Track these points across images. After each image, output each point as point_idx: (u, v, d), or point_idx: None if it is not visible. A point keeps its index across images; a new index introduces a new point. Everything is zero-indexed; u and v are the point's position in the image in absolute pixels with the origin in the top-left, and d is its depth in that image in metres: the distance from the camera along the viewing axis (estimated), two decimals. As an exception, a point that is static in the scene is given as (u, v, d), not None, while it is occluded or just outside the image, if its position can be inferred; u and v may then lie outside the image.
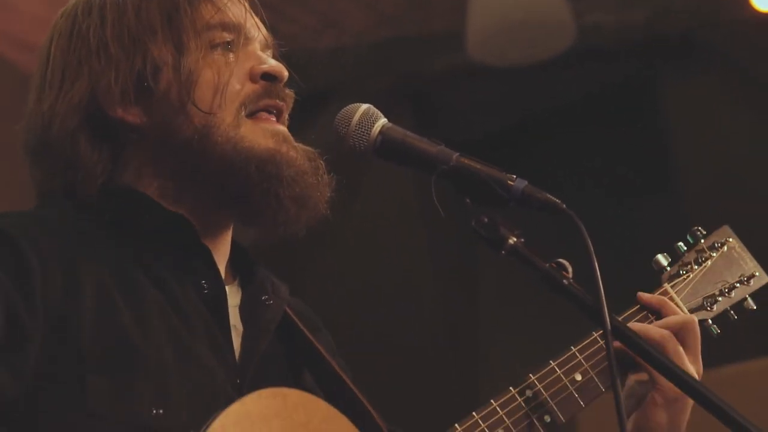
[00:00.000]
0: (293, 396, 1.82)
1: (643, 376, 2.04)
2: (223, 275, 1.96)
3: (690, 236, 2.20)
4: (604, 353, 2.00)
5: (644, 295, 2.10)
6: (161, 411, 1.75)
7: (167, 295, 1.86)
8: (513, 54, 4.63)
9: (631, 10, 4.87)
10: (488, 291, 6.04)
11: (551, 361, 2.00)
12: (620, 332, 1.74)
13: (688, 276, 2.15)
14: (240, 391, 1.85)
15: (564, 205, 1.76)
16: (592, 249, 1.71)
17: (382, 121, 1.88)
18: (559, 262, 1.78)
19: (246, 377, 1.88)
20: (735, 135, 5.08)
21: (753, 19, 4.67)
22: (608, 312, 1.71)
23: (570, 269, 1.78)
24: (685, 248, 2.19)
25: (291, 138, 1.97)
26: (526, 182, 1.78)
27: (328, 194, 1.97)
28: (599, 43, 4.91)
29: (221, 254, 1.99)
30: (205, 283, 1.90)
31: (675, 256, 2.19)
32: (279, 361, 2.00)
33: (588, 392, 1.99)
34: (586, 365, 2.01)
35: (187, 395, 1.78)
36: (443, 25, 5.04)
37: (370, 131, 1.87)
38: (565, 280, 1.77)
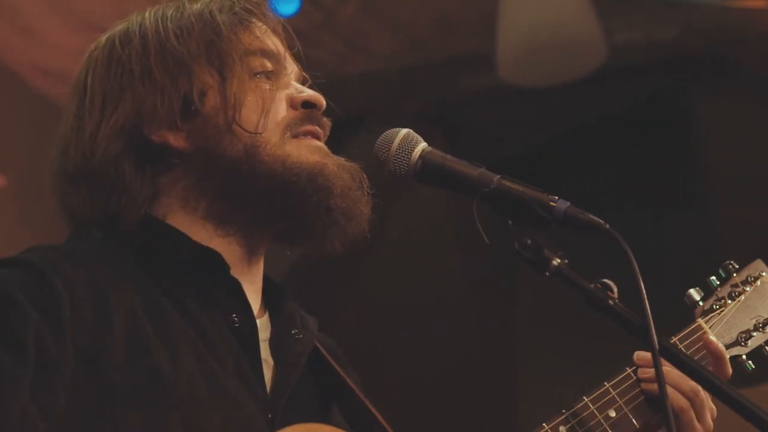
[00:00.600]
0: (320, 430, 1.83)
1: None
2: (255, 309, 1.96)
3: (722, 270, 2.19)
4: (638, 389, 2.01)
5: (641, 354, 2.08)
6: None
7: (197, 328, 1.86)
8: (543, 74, 4.63)
9: (661, 27, 4.86)
10: (524, 311, 6.01)
11: (584, 397, 1.98)
12: (668, 353, 1.72)
13: (722, 311, 2.14)
14: (272, 426, 1.85)
15: (607, 226, 1.75)
16: (637, 269, 1.70)
17: (422, 145, 1.89)
18: (604, 282, 1.77)
19: (277, 411, 1.88)
20: (766, 151, 5.05)
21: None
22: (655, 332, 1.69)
23: (615, 290, 1.76)
24: (718, 282, 2.18)
25: (333, 155, 1.99)
26: (568, 203, 1.78)
27: (369, 212, 1.98)
28: (629, 61, 4.90)
29: (252, 287, 1.99)
30: (235, 316, 1.91)
31: (707, 291, 2.18)
32: (309, 396, 1.99)
33: (622, 429, 1.98)
34: (620, 401, 2.00)
35: (218, 430, 1.78)
36: (471, 47, 5.05)
37: (411, 155, 1.87)
38: (610, 301, 1.75)
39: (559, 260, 1.77)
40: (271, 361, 1.94)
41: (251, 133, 1.92)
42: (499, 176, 1.83)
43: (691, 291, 2.12)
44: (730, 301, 2.14)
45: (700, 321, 2.11)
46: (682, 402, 2.00)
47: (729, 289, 2.16)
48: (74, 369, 1.72)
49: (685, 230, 5.12)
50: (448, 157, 1.86)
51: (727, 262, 2.18)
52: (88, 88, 1.99)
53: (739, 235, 4.82)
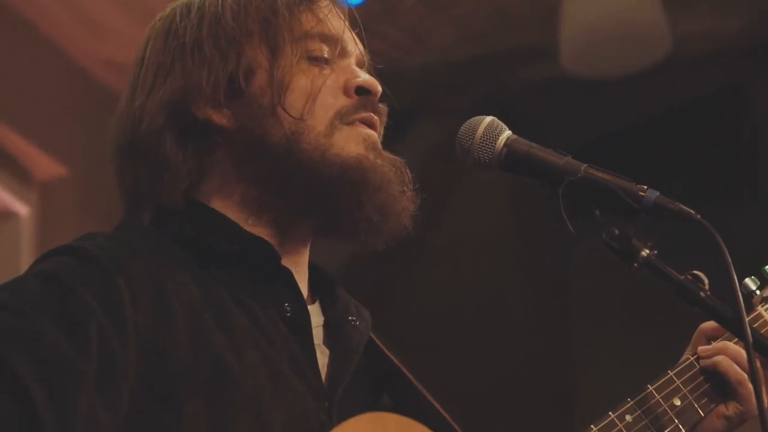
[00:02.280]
0: (392, 421, 1.79)
1: (732, 410, 2.00)
2: (304, 296, 1.92)
3: None
4: (702, 377, 1.99)
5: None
6: None
7: (252, 318, 1.82)
8: (607, 66, 4.57)
9: (725, 18, 4.78)
10: (579, 306, 5.97)
11: (649, 386, 1.95)
12: (762, 345, 1.68)
13: None
14: (329, 416, 1.81)
15: (699, 216, 1.71)
16: (729, 260, 1.66)
17: (507, 133, 1.86)
18: (695, 274, 1.74)
19: (334, 401, 1.84)
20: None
21: None
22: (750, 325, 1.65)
23: (706, 281, 1.73)
24: None
25: (380, 147, 1.94)
26: (657, 193, 1.74)
27: (413, 208, 1.92)
28: (692, 53, 4.83)
29: (301, 275, 1.95)
30: (287, 305, 1.87)
31: (763, 280, 2.12)
32: (363, 384, 1.95)
33: (688, 418, 1.95)
34: (684, 390, 1.97)
35: (282, 421, 1.74)
36: (529, 39, 5.00)
37: (495, 143, 1.84)
38: (702, 293, 1.72)
39: (648, 251, 1.73)
40: (325, 349, 1.90)
41: (295, 118, 1.87)
42: (586, 165, 1.80)
43: (747, 280, 2.07)
44: None
45: (760, 309, 2.06)
46: (740, 376, 1.97)
47: None
48: (137, 364, 1.69)
49: (747, 224, 5.05)
50: (534, 145, 1.83)
51: None
52: (145, 59, 1.96)
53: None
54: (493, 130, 1.85)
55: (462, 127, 1.87)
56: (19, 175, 4.80)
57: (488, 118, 1.86)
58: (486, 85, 4.74)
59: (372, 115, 1.94)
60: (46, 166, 4.81)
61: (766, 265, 2.11)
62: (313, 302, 1.96)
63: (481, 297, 5.44)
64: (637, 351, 5.68)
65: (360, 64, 1.99)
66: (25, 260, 4.72)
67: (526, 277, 5.85)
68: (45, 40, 4.84)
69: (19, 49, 4.71)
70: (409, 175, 1.93)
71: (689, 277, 1.74)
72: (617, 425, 1.87)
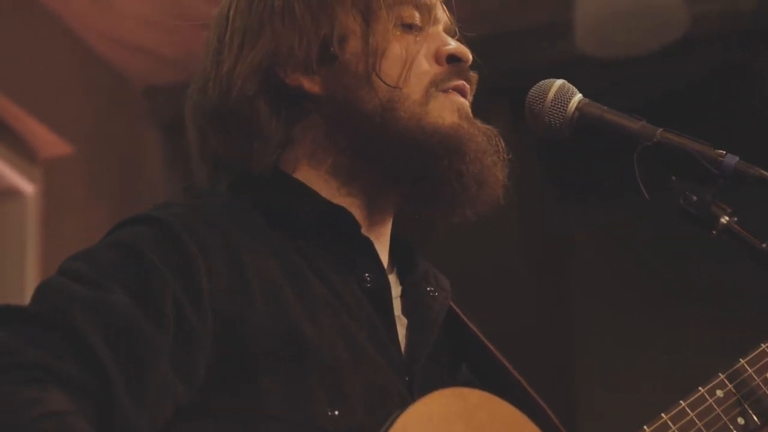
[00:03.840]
0: (474, 396, 1.74)
1: None
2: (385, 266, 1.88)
3: None
4: None
5: None
6: (337, 412, 1.67)
7: (331, 288, 1.77)
8: (622, 44, 4.53)
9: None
10: (581, 286, 5.95)
11: (741, 359, 1.88)
12: None
13: None
14: (410, 389, 1.77)
15: (781, 182, 1.66)
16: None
17: (578, 96, 1.82)
18: (778, 242, 1.69)
19: (414, 373, 1.80)
20: None
21: None
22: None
23: (789, 250, 1.68)
24: None
25: (472, 116, 1.90)
26: (737, 158, 1.70)
27: (505, 178, 1.88)
28: (706, 32, 4.79)
29: (382, 245, 1.90)
30: (368, 275, 1.82)
31: None
32: (443, 356, 1.91)
33: None
34: None
35: (361, 395, 1.70)
36: (542, 18, 4.95)
37: (567, 107, 1.80)
38: (785, 263, 1.68)
39: (728, 218, 1.69)
40: (404, 320, 1.86)
41: (391, 86, 1.83)
42: (662, 129, 1.75)
43: None
44: None
45: None
46: None
47: None
48: (213, 337, 1.65)
49: (751, 206, 5.01)
50: (606, 108, 1.80)
51: None
52: (229, 21, 1.90)
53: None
54: (564, 93, 1.81)
55: (531, 91, 1.83)
56: (25, 153, 4.73)
57: (559, 81, 1.82)
58: (499, 65, 4.69)
59: (465, 83, 1.90)
60: (51, 144, 4.75)
61: None
62: (391, 272, 1.91)
63: (482, 277, 5.40)
64: (639, 333, 5.69)
65: (449, 32, 1.95)
66: (30, 239, 4.66)
67: (526, 258, 5.83)
68: (53, 17, 4.77)
69: (27, 26, 4.64)
70: (503, 144, 1.89)
71: (772, 246, 1.68)
72: (707, 400, 1.81)
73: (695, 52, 4.87)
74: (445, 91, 1.87)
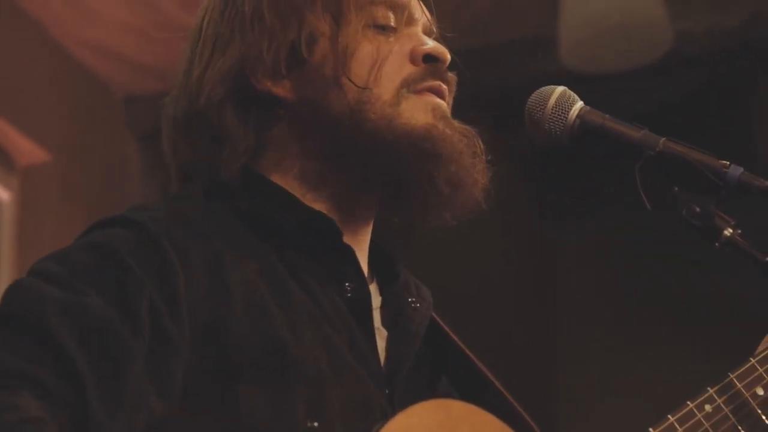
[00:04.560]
0: (457, 408, 1.70)
1: None
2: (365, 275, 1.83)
3: None
4: None
5: None
6: (316, 424, 1.63)
7: (311, 297, 1.73)
8: (607, 60, 4.51)
9: (725, 14, 4.75)
10: (566, 300, 5.94)
11: (730, 374, 1.84)
12: None
13: None
14: (391, 402, 1.73)
15: (786, 193, 1.63)
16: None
17: (580, 104, 1.78)
18: (782, 255, 1.66)
19: (395, 386, 1.76)
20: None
21: None
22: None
23: (792, 263, 1.65)
24: None
25: (450, 116, 1.85)
26: (741, 169, 1.68)
27: (485, 180, 1.83)
28: (691, 49, 4.79)
29: (362, 253, 1.86)
30: (348, 285, 1.78)
31: None
32: (425, 368, 1.87)
33: None
34: (767, 378, 1.85)
35: (341, 407, 1.66)
36: (530, 32, 4.94)
37: (568, 114, 1.77)
38: (789, 275, 1.65)
39: (732, 230, 1.66)
40: (384, 332, 1.81)
41: (360, 87, 1.79)
42: (664, 139, 1.73)
43: None
44: None
45: None
46: None
47: None
48: (191, 344, 1.60)
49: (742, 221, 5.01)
50: (608, 117, 1.76)
51: None
52: (202, 31, 1.88)
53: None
54: (565, 100, 1.78)
55: (531, 98, 1.80)
56: (1, 161, 4.67)
57: (560, 88, 1.79)
58: (484, 77, 4.67)
59: (440, 83, 1.85)
60: (28, 151, 4.69)
61: None
62: (371, 281, 1.87)
63: (466, 289, 5.38)
64: (622, 348, 5.67)
65: (427, 32, 1.90)
66: (5, 246, 4.59)
67: (512, 272, 5.81)
68: (33, 23, 4.71)
69: (7, 33, 4.58)
70: (482, 145, 1.84)
71: (775, 258, 1.66)
72: (696, 415, 1.77)
73: (679, 69, 4.87)
74: (418, 92, 1.82)
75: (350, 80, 1.79)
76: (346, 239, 1.81)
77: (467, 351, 1.90)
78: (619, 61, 4.54)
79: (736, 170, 1.67)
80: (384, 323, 1.83)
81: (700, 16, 4.79)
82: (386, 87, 1.81)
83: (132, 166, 5.21)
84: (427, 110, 1.82)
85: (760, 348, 1.90)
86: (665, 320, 5.55)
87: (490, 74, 4.83)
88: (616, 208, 5.80)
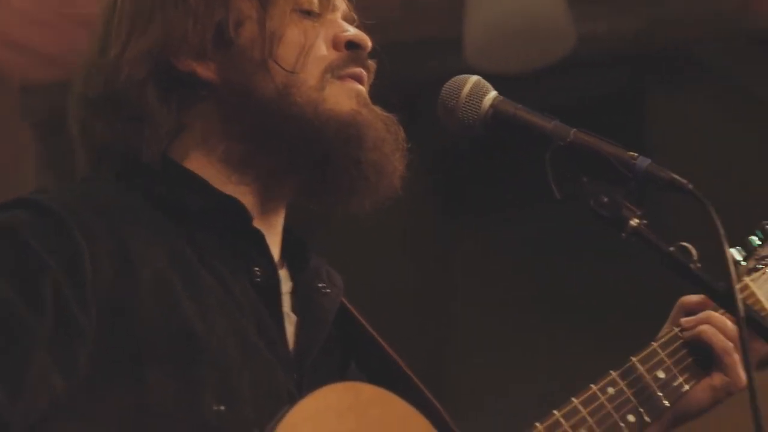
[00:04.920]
0: (366, 391, 1.71)
1: (717, 381, 1.96)
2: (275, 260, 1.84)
3: (761, 231, 2.12)
4: (686, 349, 1.94)
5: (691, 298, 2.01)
6: (223, 407, 1.63)
7: (220, 281, 1.73)
8: (510, 61, 4.55)
9: (624, 20, 4.84)
10: (461, 295, 6.00)
11: (632, 358, 1.90)
12: (751, 318, 1.66)
13: (765, 270, 2.07)
14: (299, 386, 1.73)
15: (690, 185, 1.68)
16: (722, 232, 1.63)
17: (494, 93, 1.81)
18: (684, 245, 1.71)
19: (304, 371, 1.76)
20: (727, 154, 5.05)
21: (755, 34, 4.65)
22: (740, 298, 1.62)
23: (695, 253, 1.70)
24: (759, 242, 2.12)
25: (371, 103, 1.87)
26: (649, 160, 1.71)
27: (403, 168, 1.86)
28: (591, 53, 4.87)
29: (274, 238, 1.86)
30: (257, 269, 1.78)
31: (749, 251, 2.11)
32: (334, 353, 1.88)
33: (672, 390, 1.90)
34: (668, 362, 1.92)
35: (249, 391, 1.66)
36: (438, 31, 4.96)
37: (481, 104, 1.79)
38: (691, 264, 1.68)
39: (638, 220, 1.69)
40: (293, 317, 1.82)
41: (287, 71, 1.79)
42: (575, 129, 1.76)
43: (733, 251, 2.03)
44: None
45: (747, 280, 2.03)
46: (725, 344, 1.93)
47: None
48: (96, 328, 1.59)
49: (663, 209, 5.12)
50: (520, 107, 1.79)
51: (765, 222, 2.11)
52: (117, 7, 1.85)
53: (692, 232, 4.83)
54: (479, 89, 1.80)
55: (445, 86, 1.81)
56: None
57: (474, 77, 1.81)
58: (393, 75, 4.69)
59: (362, 70, 1.87)
60: None
61: (750, 236, 2.10)
62: (282, 266, 1.87)
63: (364, 279, 5.39)
64: (517, 339, 5.75)
65: (348, 20, 1.92)
66: None
67: (411, 264, 5.84)
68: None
69: None
70: (402, 132, 1.85)
71: (678, 248, 1.70)
72: (599, 398, 1.81)
73: (578, 72, 4.94)
74: (341, 78, 1.84)
75: (278, 64, 1.79)
76: (258, 224, 1.81)
77: (377, 337, 1.91)
78: (522, 62, 4.59)
79: (643, 161, 1.71)
80: (294, 308, 1.83)
81: (602, 20, 4.88)
82: (311, 72, 1.81)
83: (27, 154, 5.11)
84: (350, 96, 1.83)
85: (662, 333, 1.96)
86: (563, 314, 5.64)
87: (397, 72, 4.85)
88: (516, 204, 5.89)
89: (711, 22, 4.80)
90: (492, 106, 1.78)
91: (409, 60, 4.87)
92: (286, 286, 1.84)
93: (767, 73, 4.85)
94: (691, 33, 4.85)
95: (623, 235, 1.70)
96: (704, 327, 1.94)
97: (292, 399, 1.66)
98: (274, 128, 1.79)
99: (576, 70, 4.97)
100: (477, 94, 1.79)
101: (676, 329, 1.96)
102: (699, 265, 1.69)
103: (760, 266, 2.08)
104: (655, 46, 4.95)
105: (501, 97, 1.80)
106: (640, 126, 5.30)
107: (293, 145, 1.80)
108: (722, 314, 1.94)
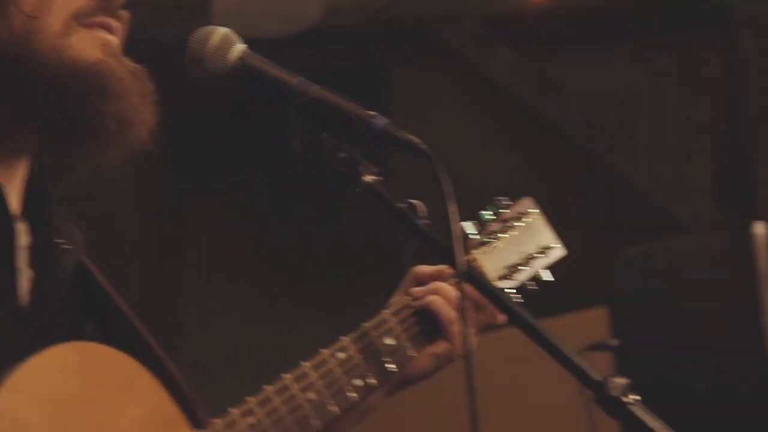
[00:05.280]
0: (94, 350, 1.71)
1: (440, 348, 2.04)
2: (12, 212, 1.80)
3: (493, 205, 2.21)
4: (415, 318, 2.01)
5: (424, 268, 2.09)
6: None
7: None
8: (257, 28, 4.58)
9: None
10: (194, 267, 6.00)
11: (364, 324, 1.97)
12: (472, 277, 1.77)
13: (495, 245, 2.16)
14: (31, 344, 1.68)
15: (424, 145, 1.76)
16: (449, 190, 1.71)
17: (242, 46, 1.82)
18: (412, 202, 1.79)
19: (38, 328, 1.74)
20: (459, 129, 5.25)
21: (488, 16, 4.85)
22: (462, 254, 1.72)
23: (424, 210, 1.78)
24: (490, 217, 2.20)
25: (121, 54, 1.84)
26: (387, 120, 1.78)
27: (152, 121, 1.84)
28: (335, 25, 4.96)
29: (13, 189, 1.81)
30: None
31: (481, 225, 2.19)
32: (71, 312, 1.85)
33: (399, 356, 1.97)
34: (397, 330, 1.98)
35: None
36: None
37: (227, 55, 1.81)
38: (418, 220, 1.77)
39: (373, 177, 1.77)
40: (28, 272, 1.78)
41: (27, 15, 1.73)
42: (318, 87, 1.81)
43: (466, 224, 2.13)
44: (502, 236, 2.16)
45: (475, 253, 2.12)
46: (450, 314, 2.01)
47: (501, 225, 2.17)
48: None
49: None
50: (267, 61, 1.82)
51: (498, 198, 2.20)
52: None
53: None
54: (228, 41, 1.82)
55: (194, 35, 1.82)
56: None
57: (224, 29, 1.82)
58: (140, 36, 4.62)
59: (111, 20, 1.82)
60: None
61: (482, 211, 2.16)
62: (22, 220, 1.82)
63: (98, 242, 5.32)
64: (246, 308, 5.80)
65: None
66: None
67: (144, 230, 5.79)
68: None
69: None
70: (152, 86, 1.84)
71: (406, 205, 1.77)
72: (329, 363, 1.86)
73: (326, 42, 5.03)
74: (88, 26, 1.80)
75: (16, 7, 1.73)
76: None
77: (116, 298, 1.90)
78: (268, 29, 4.63)
79: (381, 120, 1.77)
80: (31, 264, 1.79)
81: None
82: (56, 18, 1.76)
83: None
84: (96, 45, 1.79)
85: (392, 301, 2.03)
86: (293, 282, 5.73)
87: (140, 33, 4.79)
88: (249, 176, 5.92)
89: (450, 2, 4.99)
90: (240, 58, 1.81)
91: (155, 21, 4.82)
92: (24, 240, 1.80)
93: (496, 54, 5.07)
94: (431, 12, 5.02)
95: (357, 190, 1.77)
96: (433, 297, 2.01)
97: (24, 356, 1.62)
98: (11, 74, 1.74)
99: (321, 41, 5.06)
100: (225, 45, 1.81)
101: (408, 298, 2.03)
102: (427, 221, 1.77)
103: (489, 239, 2.16)
104: (397, 23, 5.09)
105: (249, 51, 1.82)
106: (378, 98, 5.45)
107: (28, 93, 1.75)
108: (451, 285, 2.02)
